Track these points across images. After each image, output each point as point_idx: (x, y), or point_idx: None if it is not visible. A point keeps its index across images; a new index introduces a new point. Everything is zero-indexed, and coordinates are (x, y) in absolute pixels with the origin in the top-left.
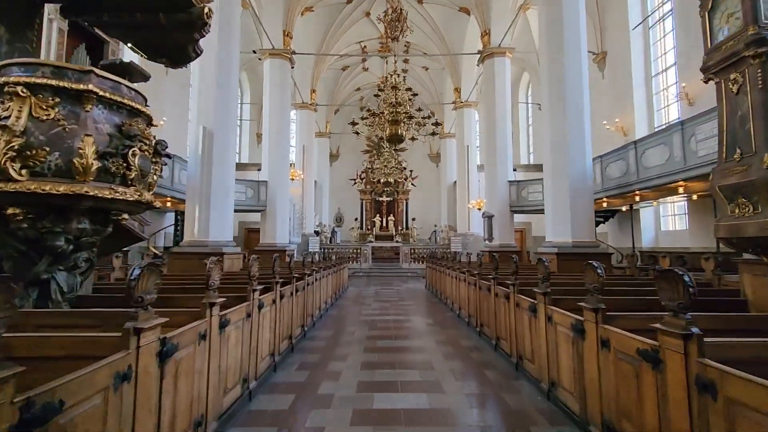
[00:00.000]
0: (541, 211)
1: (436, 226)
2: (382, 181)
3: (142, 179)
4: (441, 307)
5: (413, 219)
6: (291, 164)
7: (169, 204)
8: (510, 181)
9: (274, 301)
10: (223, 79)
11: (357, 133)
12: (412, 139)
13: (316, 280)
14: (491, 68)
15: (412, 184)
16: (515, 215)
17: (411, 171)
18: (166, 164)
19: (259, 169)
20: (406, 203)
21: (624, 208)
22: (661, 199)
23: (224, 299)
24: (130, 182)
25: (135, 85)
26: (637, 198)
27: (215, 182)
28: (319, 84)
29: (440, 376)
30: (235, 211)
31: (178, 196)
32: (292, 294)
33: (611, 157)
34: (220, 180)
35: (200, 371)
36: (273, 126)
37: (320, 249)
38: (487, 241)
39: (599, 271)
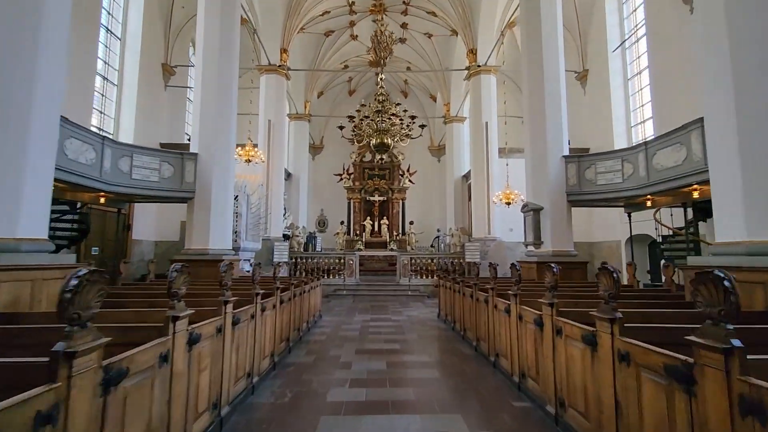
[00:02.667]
0: (613, 202)
1: (439, 230)
2: (374, 143)
3: None
4: (485, 371)
5: (411, 222)
6: (253, 145)
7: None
8: (566, 158)
9: None
10: None
11: None
12: None
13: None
14: None
15: (410, 180)
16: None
17: (422, 127)
18: None
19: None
20: (403, 204)
21: None
22: None
23: None
24: None
25: None
26: None
27: None
28: (296, 47)
29: None
30: (146, 199)
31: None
32: None
33: None
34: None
35: None
36: (209, 72)
37: (290, 259)
38: (531, 248)
39: None
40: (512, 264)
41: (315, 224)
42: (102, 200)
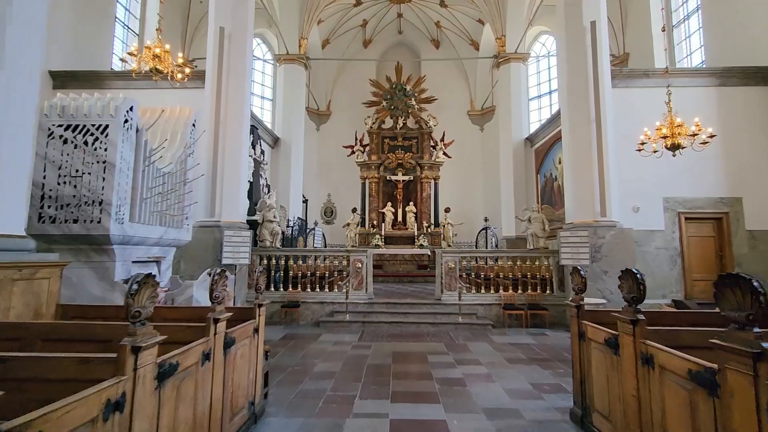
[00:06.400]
0: None
1: (487, 219)
2: None
3: None
4: None
5: (447, 210)
6: (162, 45)
7: None
8: None
9: None
10: None
11: None
12: None
13: None
14: None
15: (445, 153)
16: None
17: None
18: None
19: None
20: (435, 185)
21: None
22: None
23: None
24: None
25: None
26: None
27: None
28: None
29: None
30: None
31: None
32: None
33: None
34: None
35: None
36: None
37: (253, 259)
38: None
39: None
40: None
41: (320, 213)
42: None
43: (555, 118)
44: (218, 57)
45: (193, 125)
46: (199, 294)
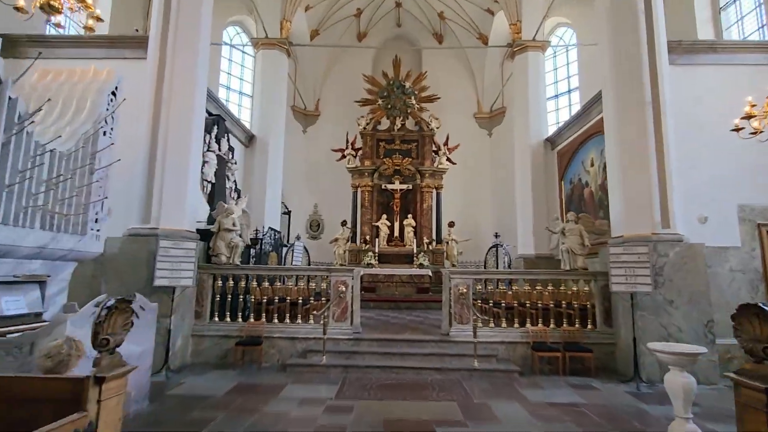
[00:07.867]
0: None
1: (498, 235)
2: None
3: None
4: None
5: (451, 224)
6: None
7: None
8: None
9: None
10: None
11: None
12: None
13: None
14: None
15: (449, 159)
16: None
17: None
18: None
19: None
20: (438, 195)
21: None
22: None
23: None
24: None
25: None
26: None
27: None
28: None
29: None
30: None
31: None
32: None
33: None
34: None
35: None
36: None
37: (202, 280)
38: None
39: None
40: None
41: (305, 227)
42: None
43: (584, 113)
44: (164, 17)
45: (113, 93)
46: (77, 334)
